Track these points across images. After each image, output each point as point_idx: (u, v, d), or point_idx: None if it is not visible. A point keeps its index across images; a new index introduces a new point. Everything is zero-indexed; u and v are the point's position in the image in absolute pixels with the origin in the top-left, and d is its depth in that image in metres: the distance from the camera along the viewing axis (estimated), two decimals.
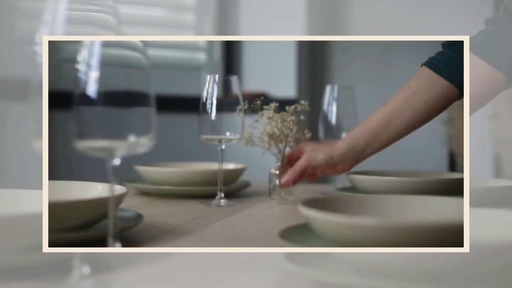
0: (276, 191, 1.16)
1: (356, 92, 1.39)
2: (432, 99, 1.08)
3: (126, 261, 0.77)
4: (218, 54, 2.56)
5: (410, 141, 3.08)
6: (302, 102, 1.18)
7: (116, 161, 0.63)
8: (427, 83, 1.09)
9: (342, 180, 1.36)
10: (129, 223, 0.80)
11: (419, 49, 2.78)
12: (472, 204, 1.04)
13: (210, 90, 1.11)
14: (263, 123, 1.15)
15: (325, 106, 1.36)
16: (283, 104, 1.19)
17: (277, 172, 1.16)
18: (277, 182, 1.16)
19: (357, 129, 1.14)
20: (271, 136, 1.14)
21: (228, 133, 1.10)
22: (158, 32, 2.31)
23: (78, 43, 0.62)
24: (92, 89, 0.60)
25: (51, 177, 0.96)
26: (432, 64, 1.10)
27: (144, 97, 0.62)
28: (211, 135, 1.12)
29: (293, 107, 1.17)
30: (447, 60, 1.07)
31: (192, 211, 1.05)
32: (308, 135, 1.18)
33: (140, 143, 0.62)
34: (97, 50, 0.61)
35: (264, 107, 1.13)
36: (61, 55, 2.05)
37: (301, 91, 2.76)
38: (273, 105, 1.14)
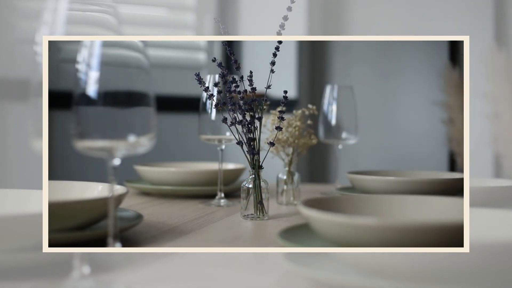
0: (285, 195, 1.15)
1: (356, 92, 1.38)
2: None
3: (126, 261, 0.77)
4: (218, 54, 2.57)
5: (410, 141, 3.08)
6: (309, 106, 1.17)
7: (116, 161, 0.63)
8: None
9: (342, 180, 1.36)
10: (129, 223, 0.80)
11: (419, 49, 2.79)
12: (472, 204, 1.05)
13: (210, 90, 1.11)
14: (269, 127, 1.13)
15: (325, 106, 1.36)
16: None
17: (285, 177, 1.16)
18: (285, 187, 1.15)
19: None
20: (278, 141, 1.13)
21: (228, 133, 1.10)
22: (158, 32, 2.31)
23: (78, 43, 0.62)
24: (92, 89, 0.60)
25: (51, 177, 0.96)
26: None
27: (144, 97, 0.62)
28: (211, 135, 1.12)
29: (300, 111, 1.16)
30: None
31: (192, 211, 1.05)
32: (314, 140, 1.17)
33: (140, 143, 0.62)
34: (97, 50, 0.61)
35: (271, 111, 1.12)
36: (61, 55, 2.05)
37: (301, 91, 2.76)
38: (279, 109, 1.13)
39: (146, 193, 1.30)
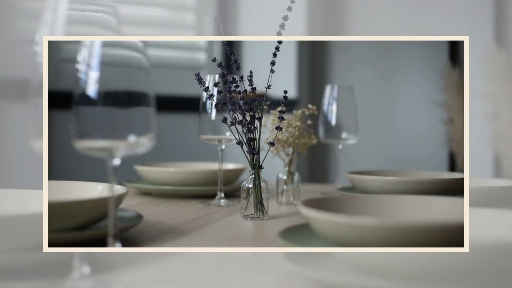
0: (285, 195, 1.15)
1: (356, 92, 1.38)
2: None
3: (126, 261, 0.77)
4: (218, 54, 2.57)
5: (410, 141, 3.07)
6: (309, 106, 1.17)
7: (116, 161, 0.63)
8: None
9: (342, 180, 1.36)
10: (129, 223, 0.80)
11: (419, 49, 2.79)
12: (472, 204, 1.05)
13: (210, 90, 1.11)
14: (269, 127, 1.12)
15: (325, 106, 1.36)
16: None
17: (285, 177, 1.16)
18: (285, 187, 1.15)
19: None
20: (278, 141, 1.13)
21: (228, 133, 1.09)
22: (158, 32, 2.31)
23: (78, 43, 0.62)
24: (92, 89, 0.60)
25: (51, 177, 0.96)
26: None
27: (144, 97, 0.62)
28: (211, 135, 1.12)
29: (300, 111, 1.16)
30: None
31: (192, 211, 1.05)
32: (314, 140, 1.17)
33: (140, 143, 0.62)
34: (97, 50, 0.61)
35: (271, 111, 1.11)
36: (61, 55, 2.05)
37: (301, 91, 2.76)
38: (279, 109, 1.12)
39: (146, 193, 1.30)
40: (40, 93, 0.63)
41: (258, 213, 0.96)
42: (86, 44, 0.61)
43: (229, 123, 0.97)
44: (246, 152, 0.97)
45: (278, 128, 1.01)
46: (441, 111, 2.34)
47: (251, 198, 0.96)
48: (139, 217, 0.84)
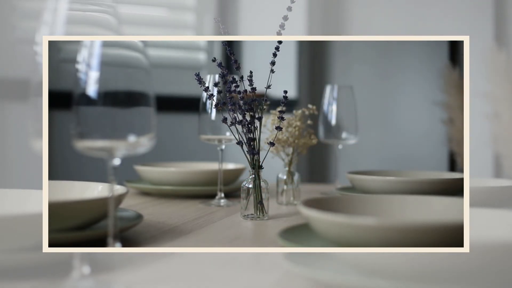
0: (285, 195, 1.15)
1: (356, 92, 1.38)
2: None
3: (126, 261, 0.77)
4: (218, 54, 2.57)
5: (410, 141, 3.07)
6: (309, 106, 1.17)
7: (116, 161, 0.63)
8: None
9: (342, 180, 1.36)
10: (129, 223, 0.80)
11: (419, 49, 2.79)
12: (472, 204, 1.05)
13: (210, 90, 1.11)
14: (270, 127, 1.12)
15: (325, 106, 1.36)
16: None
17: (285, 177, 1.16)
18: (285, 187, 1.15)
19: None
20: (278, 141, 1.13)
21: (228, 133, 1.09)
22: (158, 32, 2.31)
23: (78, 43, 0.62)
24: (92, 89, 0.60)
25: (51, 177, 0.96)
26: None
27: (144, 97, 0.62)
28: (211, 135, 1.12)
29: (300, 111, 1.16)
30: None
31: (192, 211, 1.05)
32: (314, 140, 1.17)
33: (140, 143, 0.62)
34: (97, 50, 0.61)
35: (271, 111, 1.11)
36: (61, 55, 2.05)
37: (301, 91, 2.76)
38: (279, 109, 1.12)
39: (146, 193, 1.30)
40: (40, 93, 0.63)
41: (258, 213, 0.96)
42: (86, 44, 0.61)
43: (229, 123, 0.97)
44: (246, 152, 0.97)
45: (278, 128, 1.01)
46: (441, 111, 2.34)
47: (251, 198, 0.96)
48: (139, 217, 0.84)
